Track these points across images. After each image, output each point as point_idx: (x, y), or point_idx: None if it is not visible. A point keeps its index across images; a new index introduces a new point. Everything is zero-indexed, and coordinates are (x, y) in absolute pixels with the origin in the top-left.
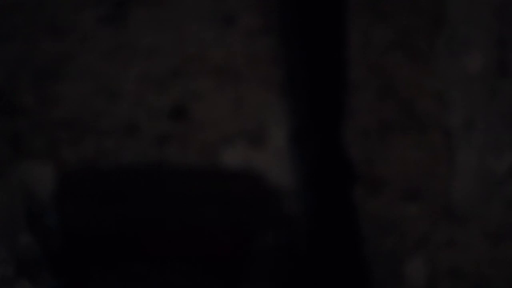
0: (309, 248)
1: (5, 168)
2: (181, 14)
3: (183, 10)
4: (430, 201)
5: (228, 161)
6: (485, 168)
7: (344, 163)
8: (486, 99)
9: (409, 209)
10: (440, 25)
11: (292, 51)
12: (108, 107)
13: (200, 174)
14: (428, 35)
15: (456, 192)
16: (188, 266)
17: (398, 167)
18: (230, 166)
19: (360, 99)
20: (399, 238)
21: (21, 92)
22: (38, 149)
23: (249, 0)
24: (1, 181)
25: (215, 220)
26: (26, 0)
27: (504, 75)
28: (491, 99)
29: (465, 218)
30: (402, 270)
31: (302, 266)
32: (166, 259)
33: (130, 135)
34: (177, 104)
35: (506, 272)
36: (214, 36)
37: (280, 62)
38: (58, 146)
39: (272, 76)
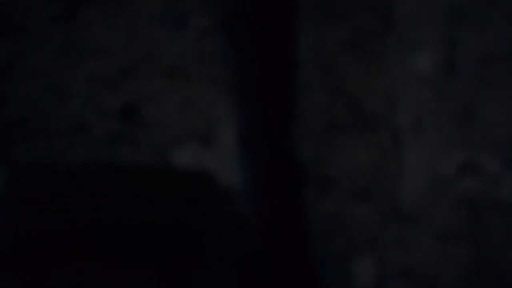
0: (260, 246)
1: None
2: (132, 14)
3: (134, 11)
4: (379, 201)
5: (179, 160)
6: (434, 168)
7: (295, 163)
8: (435, 99)
9: (359, 209)
10: (390, 27)
11: (243, 52)
12: (59, 107)
13: (151, 173)
14: (379, 36)
15: (405, 192)
16: (142, 262)
17: (348, 167)
18: (181, 165)
19: (311, 99)
20: (349, 238)
21: None
22: None
23: (200, 1)
24: None
25: (167, 218)
26: None
27: (452, 75)
28: (440, 99)
29: (414, 217)
30: (351, 269)
31: (253, 263)
32: (120, 256)
33: (81, 135)
34: (128, 104)
35: (454, 271)
36: (165, 36)
37: (230, 63)
38: (7, 147)
39: (223, 77)
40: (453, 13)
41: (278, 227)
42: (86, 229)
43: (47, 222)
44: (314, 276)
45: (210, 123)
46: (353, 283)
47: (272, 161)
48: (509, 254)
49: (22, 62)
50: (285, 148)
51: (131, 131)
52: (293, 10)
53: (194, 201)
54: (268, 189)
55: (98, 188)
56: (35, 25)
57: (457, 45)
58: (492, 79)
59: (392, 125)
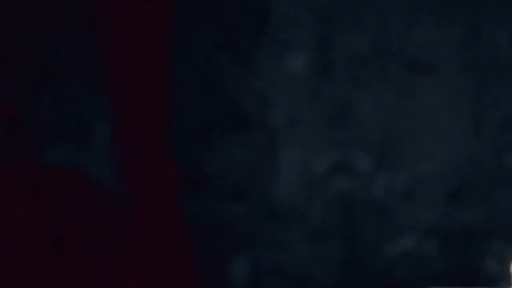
0: (133, 245)
1: None
2: (4, 11)
3: (6, 8)
4: (254, 201)
5: (52, 160)
6: (308, 167)
7: (171, 162)
8: (309, 99)
9: (234, 208)
10: (264, 27)
11: (119, 51)
12: None
13: (24, 173)
14: (253, 37)
15: (280, 192)
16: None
17: (223, 167)
18: (54, 165)
19: (186, 99)
20: (224, 238)
21: None
22: None
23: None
24: None
25: (41, 217)
26: None
27: (326, 76)
28: (313, 99)
29: (288, 217)
30: (226, 269)
31: (126, 262)
32: None
33: None
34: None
35: (327, 270)
36: (38, 34)
37: (106, 62)
38: None
39: (98, 77)
40: (326, 14)
41: (153, 226)
42: None
43: None
44: (190, 275)
45: (84, 124)
46: (228, 283)
47: (147, 160)
48: (381, 252)
49: None
50: (160, 147)
51: (3, 131)
52: (169, 10)
53: (67, 200)
54: (143, 188)
55: None
56: None
57: (330, 46)
58: (364, 80)
59: (266, 125)
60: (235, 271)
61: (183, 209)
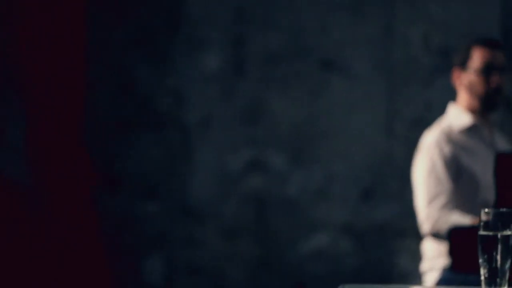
0: (47, 243)
1: None
2: None
3: None
4: (168, 199)
5: None
6: (222, 165)
7: (86, 161)
8: (223, 97)
9: (148, 206)
10: (178, 25)
11: (34, 49)
12: None
13: None
14: (167, 35)
15: (194, 190)
16: None
17: (137, 165)
18: None
19: (99, 97)
20: (138, 236)
21: None
22: None
23: None
24: None
25: None
26: None
27: (240, 75)
28: (227, 97)
29: (202, 215)
30: (140, 267)
31: (43, 261)
32: None
33: None
34: None
35: (241, 267)
36: None
37: (17, 62)
38: None
39: (11, 76)
40: (241, 13)
41: (68, 224)
42: None
43: None
44: (105, 273)
45: None
46: (142, 280)
47: (62, 159)
48: (295, 250)
49: None
50: (75, 146)
51: None
52: (83, 9)
53: None
54: (58, 187)
55: None
56: None
57: (245, 45)
58: (278, 78)
59: (181, 123)
60: (149, 268)
61: (98, 207)
